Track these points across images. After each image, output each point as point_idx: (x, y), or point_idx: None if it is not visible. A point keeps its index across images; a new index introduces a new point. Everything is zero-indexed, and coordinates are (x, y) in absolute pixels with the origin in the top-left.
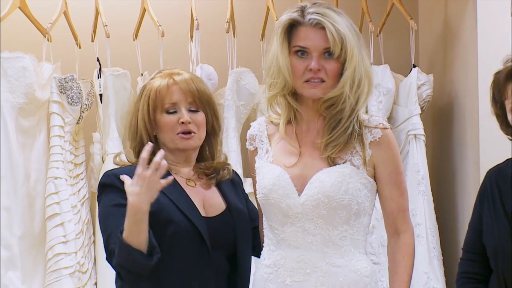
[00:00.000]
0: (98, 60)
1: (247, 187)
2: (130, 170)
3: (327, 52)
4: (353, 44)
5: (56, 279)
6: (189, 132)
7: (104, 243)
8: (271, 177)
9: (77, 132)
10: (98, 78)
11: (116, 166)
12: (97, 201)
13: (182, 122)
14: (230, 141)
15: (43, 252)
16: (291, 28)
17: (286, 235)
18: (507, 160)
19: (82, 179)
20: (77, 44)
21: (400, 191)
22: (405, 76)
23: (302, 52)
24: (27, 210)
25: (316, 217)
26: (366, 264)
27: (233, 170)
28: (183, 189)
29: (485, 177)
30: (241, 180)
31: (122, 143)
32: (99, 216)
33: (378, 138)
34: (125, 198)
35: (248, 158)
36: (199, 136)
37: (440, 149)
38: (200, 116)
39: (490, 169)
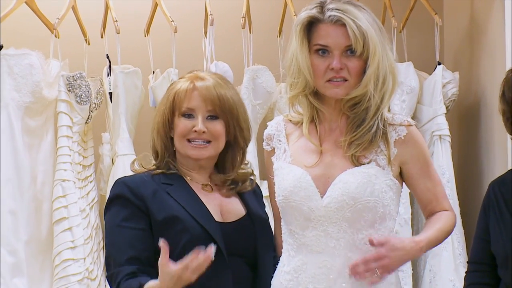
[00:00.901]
0: (107, 57)
1: (263, 190)
2: (142, 179)
3: (349, 50)
4: (376, 40)
5: (64, 286)
6: (204, 141)
7: (106, 263)
8: (291, 179)
9: (86, 132)
10: (108, 76)
11: (129, 172)
12: (105, 208)
13: (195, 131)
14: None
15: (50, 258)
16: (311, 25)
17: (307, 239)
18: (509, 170)
19: (91, 182)
20: (86, 40)
21: (435, 181)
22: (430, 74)
23: (323, 50)
24: (34, 214)
25: (340, 220)
26: None
27: (256, 184)
28: (197, 195)
29: (488, 188)
30: (262, 195)
31: (133, 144)
32: (105, 227)
33: (404, 136)
34: (131, 217)
35: (265, 159)
36: (215, 146)
37: (466, 150)
38: (219, 125)
39: (492, 181)
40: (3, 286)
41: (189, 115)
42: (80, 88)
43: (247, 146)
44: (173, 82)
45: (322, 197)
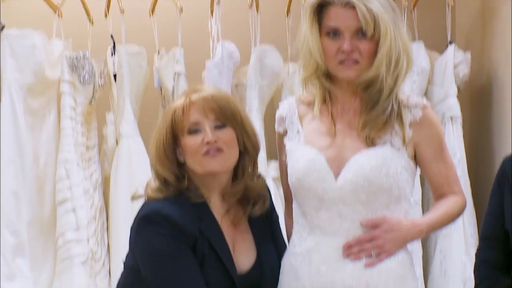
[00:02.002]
0: (112, 37)
1: (272, 171)
2: (182, 210)
3: (360, 32)
4: (387, 21)
5: (67, 268)
6: (218, 150)
7: None
8: (305, 160)
9: (89, 113)
10: (112, 56)
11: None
12: (136, 233)
13: (207, 142)
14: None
15: (53, 239)
16: (321, 7)
17: (320, 221)
18: None
19: (94, 163)
20: (89, 19)
21: (448, 164)
22: (441, 54)
23: (334, 33)
24: (36, 195)
25: (355, 202)
26: (404, 252)
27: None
28: (223, 236)
29: (502, 164)
30: (275, 210)
31: (137, 124)
32: (144, 254)
33: (419, 118)
34: (186, 252)
35: (276, 140)
36: (230, 155)
37: (478, 131)
38: (229, 132)
39: (506, 156)
40: (5, 267)
41: (195, 130)
42: (84, 68)
43: (257, 155)
44: (167, 107)
45: (336, 178)
